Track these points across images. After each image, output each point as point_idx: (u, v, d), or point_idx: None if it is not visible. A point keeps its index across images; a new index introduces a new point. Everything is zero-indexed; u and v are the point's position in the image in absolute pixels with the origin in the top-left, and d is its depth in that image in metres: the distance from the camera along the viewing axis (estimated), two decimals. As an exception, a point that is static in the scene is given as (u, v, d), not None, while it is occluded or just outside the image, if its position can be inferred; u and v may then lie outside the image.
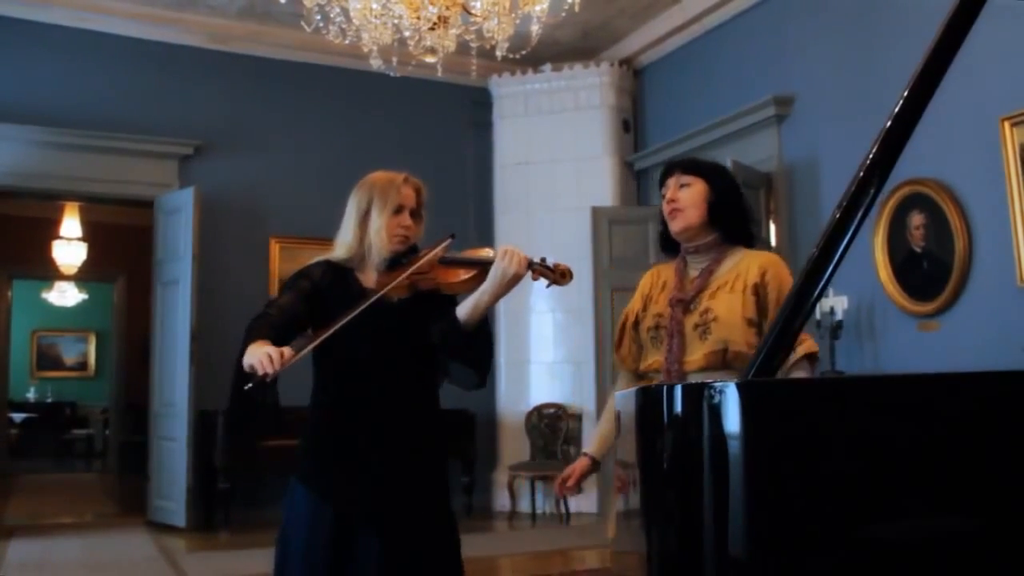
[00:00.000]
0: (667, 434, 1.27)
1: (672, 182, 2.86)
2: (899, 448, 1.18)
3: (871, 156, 1.41)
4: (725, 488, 1.20)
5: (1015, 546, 1.17)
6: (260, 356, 2.33)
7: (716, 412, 1.23)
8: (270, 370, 2.31)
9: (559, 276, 2.61)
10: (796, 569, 1.17)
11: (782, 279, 2.72)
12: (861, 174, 1.41)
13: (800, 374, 2.60)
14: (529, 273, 2.60)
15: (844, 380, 1.74)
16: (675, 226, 2.83)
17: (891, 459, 1.18)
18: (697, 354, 2.68)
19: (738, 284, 2.71)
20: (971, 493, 1.17)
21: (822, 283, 1.37)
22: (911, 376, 1.45)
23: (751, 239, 2.87)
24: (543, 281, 2.62)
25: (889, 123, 1.44)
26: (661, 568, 1.26)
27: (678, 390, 1.26)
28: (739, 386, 1.21)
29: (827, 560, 1.16)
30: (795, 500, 1.18)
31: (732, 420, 1.23)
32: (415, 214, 2.71)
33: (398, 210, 2.65)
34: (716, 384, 1.23)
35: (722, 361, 2.65)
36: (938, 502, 1.17)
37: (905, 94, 1.47)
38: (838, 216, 1.36)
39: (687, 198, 2.81)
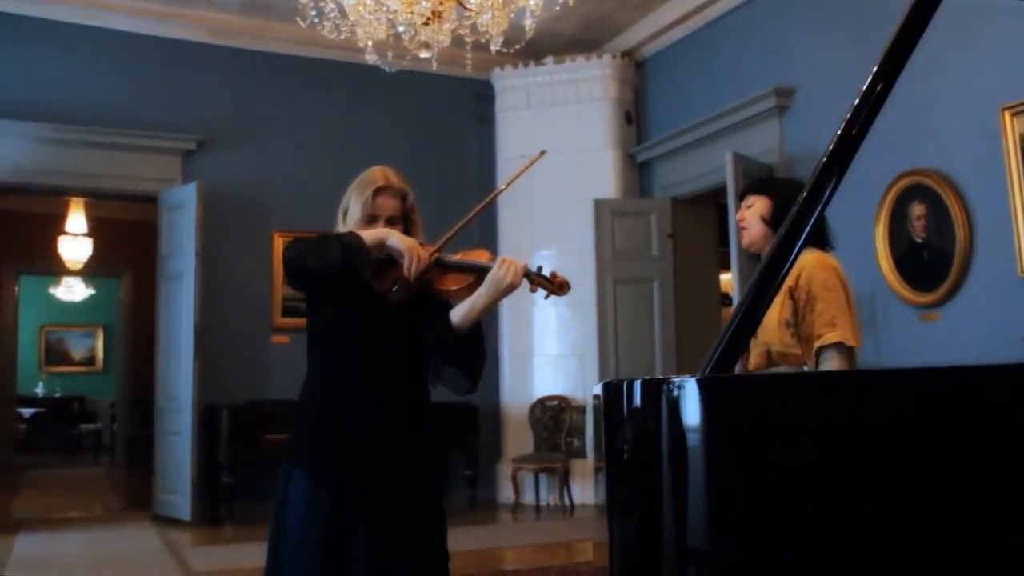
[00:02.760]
0: (627, 427, 1.29)
1: (743, 204, 3.24)
2: (859, 442, 1.19)
3: (830, 149, 1.42)
4: (684, 481, 1.21)
5: (982, 543, 1.18)
6: (413, 247, 2.49)
7: (675, 406, 1.24)
8: (413, 275, 2.49)
9: (557, 287, 2.63)
10: (754, 561, 1.18)
11: (812, 279, 2.91)
12: (824, 159, 1.42)
13: (830, 365, 2.81)
14: (527, 284, 2.61)
15: (801, 376, 1.76)
16: (743, 242, 3.24)
17: (850, 453, 1.19)
18: (752, 355, 2.96)
19: (783, 288, 2.87)
20: (931, 487, 1.18)
21: (783, 273, 1.38)
22: (869, 372, 1.46)
23: (821, 239, 3.10)
24: (541, 292, 2.63)
25: (847, 117, 1.45)
26: (622, 559, 1.27)
27: (637, 384, 1.28)
28: (698, 381, 1.23)
29: (785, 553, 1.18)
30: (753, 493, 1.19)
31: (691, 414, 1.24)
32: (398, 221, 2.67)
33: (370, 220, 2.63)
34: (675, 379, 1.24)
35: (768, 362, 2.92)
36: (900, 496, 1.18)
37: (863, 89, 1.47)
38: (796, 212, 1.37)
39: (749, 217, 3.17)
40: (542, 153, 2.85)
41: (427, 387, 2.73)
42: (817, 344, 2.81)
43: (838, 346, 2.82)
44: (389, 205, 2.65)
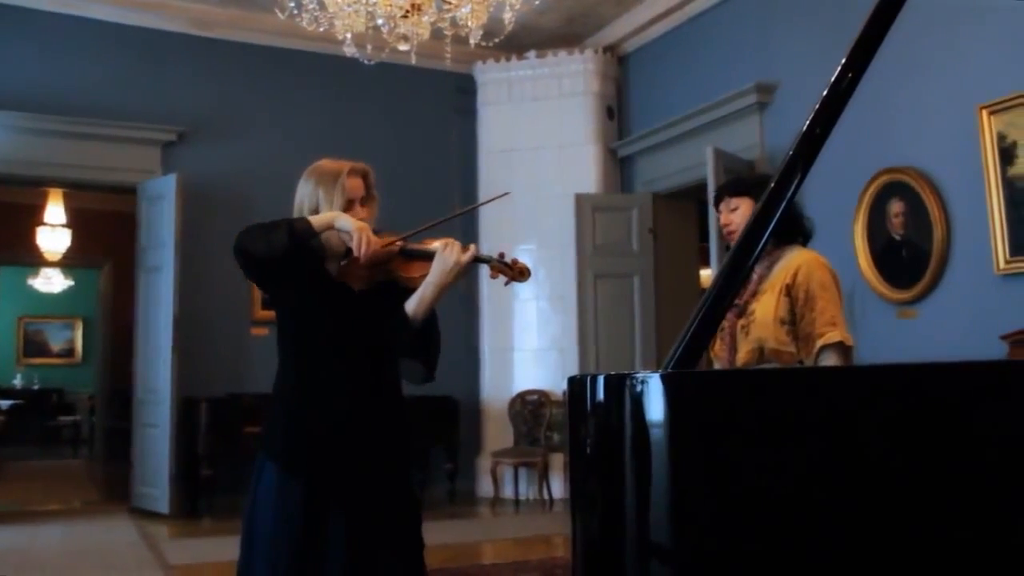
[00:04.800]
0: (590, 422, 1.29)
1: (723, 207, 3.18)
2: (824, 438, 1.20)
3: (795, 144, 1.43)
4: (647, 476, 1.22)
5: (951, 537, 1.19)
6: (362, 228, 2.47)
7: (638, 401, 1.24)
8: (362, 258, 2.46)
9: (517, 273, 2.63)
10: (716, 557, 1.19)
11: (811, 278, 2.91)
12: (789, 153, 1.43)
13: (831, 364, 2.80)
14: (488, 271, 2.63)
15: (765, 371, 1.77)
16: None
17: (814, 449, 1.20)
18: (742, 352, 2.95)
19: (778, 285, 2.94)
20: (900, 483, 1.19)
21: (747, 268, 1.39)
22: (836, 368, 1.48)
23: (806, 235, 3.13)
24: (502, 279, 2.63)
25: (812, 112, 1.46)
26: (584, 553, 1.28)
27: (600, 379, 1.28)
28: (662, 376, 1.23)
29: (747, 549, 1.18)
30: (716, 489, 1.20)
31: (654, 409, 1.24)
32: (365, 200, 2.68)
33: (347, 206, 2.61)
34: (638, 374, 1.25)
35: (759, 358, 2.90)
36: (866, 492, 1.19)
37: (829, 83, 1.48)
38: (761, 207, 1.38)
39: (739, 220, 3.12)
40: (505, 194, 2.93)
41: (398, 376, 2.73)
42: (820, 343, 2.83)
43: (839, 346, 2.84)
44: (358, 185, 2.65)
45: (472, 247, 2.61)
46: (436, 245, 2.60)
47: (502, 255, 2.63)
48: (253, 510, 2.58)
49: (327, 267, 2.63)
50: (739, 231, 3.08)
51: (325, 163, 2.68)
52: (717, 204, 3.23)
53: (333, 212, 2.56)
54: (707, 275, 9.53)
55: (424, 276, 2.58)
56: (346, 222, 2.50)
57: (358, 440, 2.58)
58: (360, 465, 2.56)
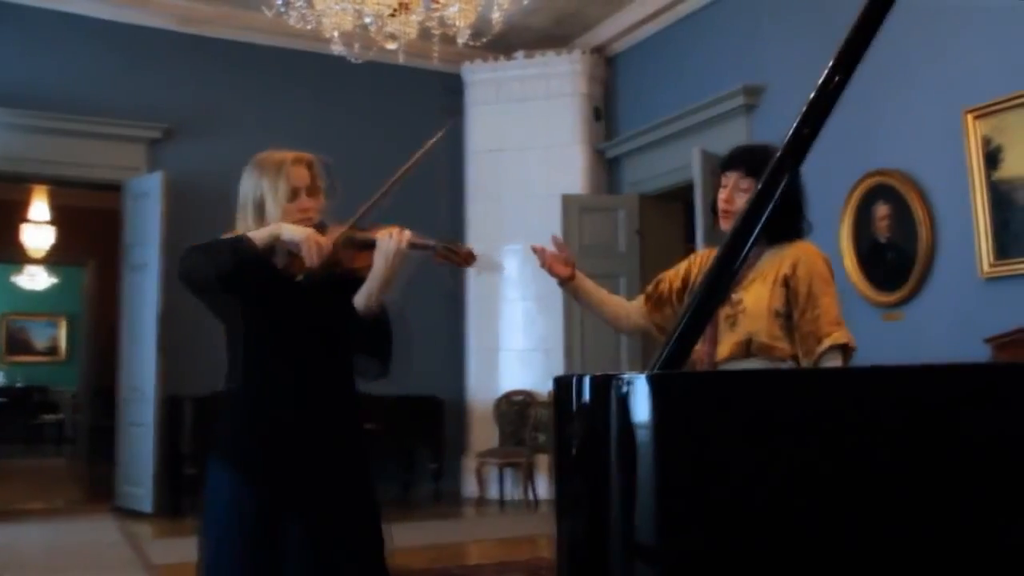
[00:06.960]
0: (576, 422, 1.29)
1: (733, 179, 2.87)
2: (809, 440, 1.20)
3: (781, 151, 1.43)
4: (632, 477, 1.22)
5: (937, 539, 1.19)
6: (312, 237, 2.41)
7: (624, 402, 1.24)
8: (315, 263, 2.40)
9: (462, 259, 2.52)
10: (702, 558, 1.19)
11: (813, 273, 2.73)
12: (777, 157, 1.43)
13: (834, 365, 2.66)
14: (432, 256, 2.54)
15: (750, 373, 1.76)
16: (724, 226, 2.88)
17: (800, 450, 1.20)
18: (725, 344, 2.75)
19: (771, 275, 2.75)
20: (885, 485, 1.19)
21: (736, 267, 1.39)
22: (821, 370, 1.48)
23: (800, 233, 2.88)
24: (468, 270, 2.58)
25: (801, 114, 1.46)
26: (570, 555, 1.27)
27: (587, 380, 1.28)
28: (648, 378, 1.23)
29: (732, 550, 1.18)
30: (702, 490, 1.20)
31: (640, 411, 1.24)
32: (313, 191, 2.59)
33: (293, 195, 2.54)
34: (624, 376, 1.25)
35: (746, 352, 2.72)
36: (851, 494, 1.19)
37: (817, 85, 1.48)
38: (749, 206, 1.38)
39: (740, 204, 2.80)
40: (443, 133, 2.84)
41: (351, 373, 2.65)
42: (827, 343, 2.66)
43: (844, 348, 2.69)
44: (303, 174, 2.57)
45: (408, 232, 2.52)
46: (381, 234, 2.51)
47: (450, 242, 2.55)
48: (205, 514, 2.52)
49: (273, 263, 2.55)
50: (737, 214, 2.88)
51: (268, 154, 2.61)
52: (727, 169, 2.91)
53: (276, 225, 2.48)
54: (693, 276, 9.55)
55: (370, 266, 2.50)
56: (292, 233, 2.44)
57: (309, 439, 2.51)
58: (313, 465, 2.50)
